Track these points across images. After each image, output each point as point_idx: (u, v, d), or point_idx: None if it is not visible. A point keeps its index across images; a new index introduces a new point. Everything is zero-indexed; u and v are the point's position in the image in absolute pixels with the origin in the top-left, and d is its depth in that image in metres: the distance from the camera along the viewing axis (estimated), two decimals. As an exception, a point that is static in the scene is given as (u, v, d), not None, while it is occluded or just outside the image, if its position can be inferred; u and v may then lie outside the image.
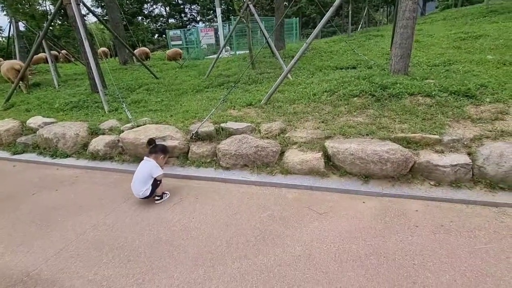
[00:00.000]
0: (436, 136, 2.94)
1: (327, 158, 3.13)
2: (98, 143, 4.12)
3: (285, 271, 2.01)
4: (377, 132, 3.21)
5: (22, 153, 4.73)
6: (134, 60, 11.34)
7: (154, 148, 3.01)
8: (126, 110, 4.37)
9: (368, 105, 3.86)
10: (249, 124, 3.83)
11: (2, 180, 3.98)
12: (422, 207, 2.57)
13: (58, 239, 2.59)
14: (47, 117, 5.28)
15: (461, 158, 2.71)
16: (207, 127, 3.82)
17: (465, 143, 2.89)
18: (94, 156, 4.17)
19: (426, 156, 2.80)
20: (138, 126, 4.13)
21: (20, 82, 7.81)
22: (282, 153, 3.41)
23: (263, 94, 5.15)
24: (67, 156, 4.37)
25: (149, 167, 2.89)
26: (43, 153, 4.56)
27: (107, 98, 5.88)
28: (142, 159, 3.88)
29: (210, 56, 15.51)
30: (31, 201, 3.31)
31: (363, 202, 2.72)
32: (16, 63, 7.90)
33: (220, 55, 8.25)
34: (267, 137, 3.57)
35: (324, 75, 5.82)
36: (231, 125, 3.83)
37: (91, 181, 3.70)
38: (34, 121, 5.03)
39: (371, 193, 2.79)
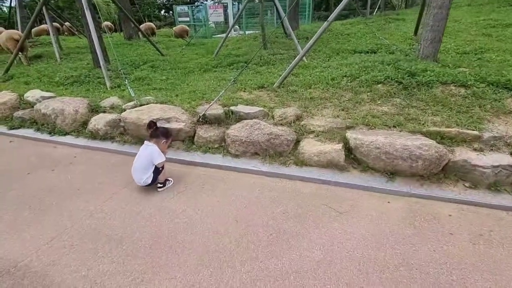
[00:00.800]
0: (475, 132, 2.61)
1: (348, 150, 2.83)
2: (98, 122, 3.84)
3: (303, 279, 1.76)
4: (406, 124, 2.88)
5: (19, 128, 4.48)
6: (140, 35, 10.85)
7: (155, 131, 2.72)
8: (128, 87, 4.06)
9: (394, 93, 3.49)
10: (261, 108, 3.50)
11: (-3, 156, 3.76)
12: (456, 212, 2.28)
13: (52, 226, 2.36)
14: (46, 91, 4.99)
15: (504, 159, 2.39)
16: (215, 109, 3.51)
17: (507, 141, 2.56)
18: (94, 135, 3.90)
19: (463, 154, 2.48)
20: (141, 105, 3.83)
21: (20, 53, 7.46)
22: (297, 142, 3.10)
23: (276, 77, 4.78)
24: (66, 133, 4.11)
25: (150, 153, 2.61)
26: (41, 129, 4.30)
27: (110, 74, 5.55)
28: (144, 140, 3.63)
29: (218, 35, 14.87)
30: (25, 181, 3.09)
31: (388, 202, 2.44)
32: (15, 32, 7.51)
33: (229, 35, 7.76)
34: (281, 124, 3.26)
35: (342, 58, 5.39)
36: (242, 108, 3.51)
37: (90, 162, 3.46)
38: (31, 94, 4.74)
39: (397, 192, 2.51)
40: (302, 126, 3.19)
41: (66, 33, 15.07)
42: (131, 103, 3.97)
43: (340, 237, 2.09)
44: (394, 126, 2.88)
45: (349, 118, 3.14)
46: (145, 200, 2.66)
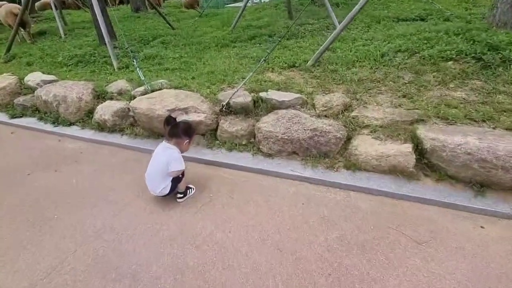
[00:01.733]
0: None
1: (419, 153, 2.17)
2: (104, 111, 3.31)
3: None
4: (499, 118, 2.17)
5: (21, 116, 4.03)
6: (148, 7, 9.97)
7: (175, 129, 2.14)
8: (137, 69, 3.46)
9: (472, 74, 2.72)
10: (298, 95, 2.83)
11: (-3, 151, 3.35)
12: None
13: (52, 249, 1.93)
14: (48, 73, 4.46)
15: None
16: (241, 96, 2.87)
17: None
18: (101, 127, 3.40)
19: None
20: (152, 91, 3.24)
21: (23, 30, 6.90)
22: (347, 139, 2.47)
23: (308, 52, 4.03)
24: (70, 124, 3.63)
25: (168, 158, 2.06)
26: (44, 118, 3.84)
27: (117, 52, 4.92)
28: (158, 134, 3.08)
29: (231, 5, 13.66)
30: (25, 184, 2.66)
31: (482, 227, 1.83)
32: (15, 7, 6.86)
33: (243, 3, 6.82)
34: (325, 116, 2.60)
35: (386, 28, 4.50)
36: (274, 95, 2.86)
37: (97, 160, 2.98)
38: (32, 78, 4.23)
39: (492, 212, 1.88)
40: (353, 118, 2.53)
41: (73, 6, 14.27)
42: (141, 88, 3.39)
43: (427, 283, 1.53)
44: (483, 121, 2.17)
45: (416, 108, 2.45)
46: (163, 215, 2.16)
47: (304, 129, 2.42)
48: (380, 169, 2.23)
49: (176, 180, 2.15)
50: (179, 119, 2.80)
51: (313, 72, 3.44)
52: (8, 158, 3.15)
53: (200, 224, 2.04)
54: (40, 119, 3.87)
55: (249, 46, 4.83)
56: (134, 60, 3.59)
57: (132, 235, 2.00)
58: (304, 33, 4.94)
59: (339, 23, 4.66)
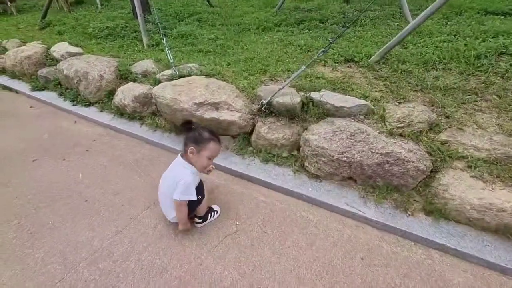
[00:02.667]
0: None
1: (553, 213, 1.46)
2: (125, 95, 2.87)
3: None
4: None
5: (42, 89, 3.76)
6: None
7: (186, 137, 1.58)
8: (167, 48, 2.96)
9: None
10: (363, 101, 2.16)
11: (9, 127, 3.06)
12: None
13: (37, 272, 1.53)
14: (75, 45, 4.13)
15: None
16: (288, 95, 2.26)
17: None
18: (121, 112, 2.98)
19: None
20: (180, 77, 2.73)
21: (60, -3, 6.71)
22: (431, 172, 1.79)
23: (369, 45, 3.29)
24: (89, 104, 3.27)
25: (177, 181, 1.52)
26: (64, 94, 3.52)
27: (149, 28, 4.46)
28: (181, 129, 2.60)
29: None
30: (27, 174, 2.32)
31: None
32: (54, -28, 6.65)
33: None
34: (400, 135, 1.92)
35: (473, 21, 3.56)
36: (329, 97, 2.21)
37: (110, 153, 2.57)
38: (58, 49, 3.91)
39: None
40: (442, 144, 1.83)
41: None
42: (168, 72, 2.88)
43: None
44: None
45: (543, 141, 1.69)
46: (174, 243, 1.68)
47: (372, 152, 1.78)
48: (480, 225, 1.55)
49: (193, 204, 1.63)
50: (208, 116, 2.28)
51: (378, 71, 2.72)
52: (19, 138, 2.84)
53: (220, 267, 1.53)
54: (61, 94, 3.55)
55: (296, 32, 4.13)
56: (164, 39, 3.07)
57: (133, 269, 1.54)
58: (365, 21, 4.12)
59: (410, 11, 3.82)
